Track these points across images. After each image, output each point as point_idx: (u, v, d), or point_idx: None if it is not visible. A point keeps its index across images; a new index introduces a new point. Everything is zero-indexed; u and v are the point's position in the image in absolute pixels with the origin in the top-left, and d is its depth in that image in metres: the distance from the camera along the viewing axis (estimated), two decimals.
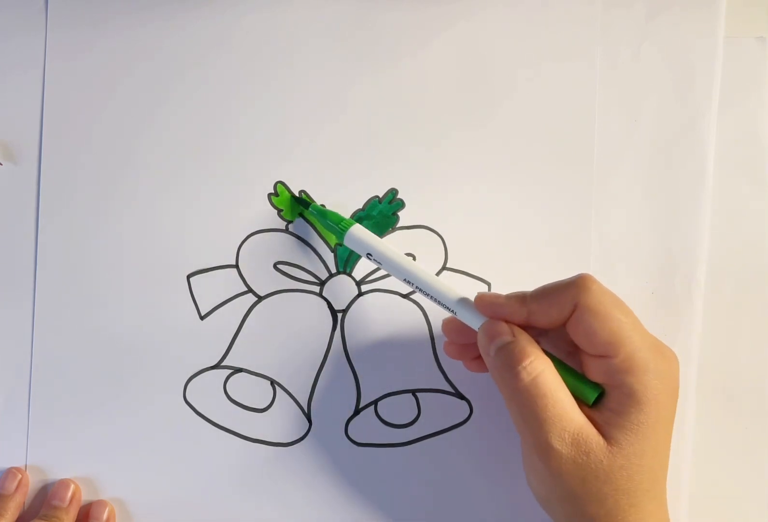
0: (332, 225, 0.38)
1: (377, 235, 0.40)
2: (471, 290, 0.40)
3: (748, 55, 0.40)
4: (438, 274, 0.40)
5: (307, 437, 0.40)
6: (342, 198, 0.40)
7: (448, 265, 0.40)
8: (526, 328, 0.34)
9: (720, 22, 0.40)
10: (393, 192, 0.40)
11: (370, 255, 0.37)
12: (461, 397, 0.40)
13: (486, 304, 0.34)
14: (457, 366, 0.39)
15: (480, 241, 0.40)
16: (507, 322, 0.34)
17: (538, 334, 0.34)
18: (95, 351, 0.40)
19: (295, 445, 0.40)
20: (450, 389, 0.40)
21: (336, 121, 0.41)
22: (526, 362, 0.32)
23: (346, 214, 0.40)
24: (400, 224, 0.40)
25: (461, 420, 0.40)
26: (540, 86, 0.40)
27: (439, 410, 0.40)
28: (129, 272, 0.40)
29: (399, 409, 0.40)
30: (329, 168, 0.40)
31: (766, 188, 0.40)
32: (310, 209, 0.39)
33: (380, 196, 0.40)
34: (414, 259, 0.40)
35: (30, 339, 0.40)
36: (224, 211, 0.40)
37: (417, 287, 0.36)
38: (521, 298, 0.33)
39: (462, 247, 0.40)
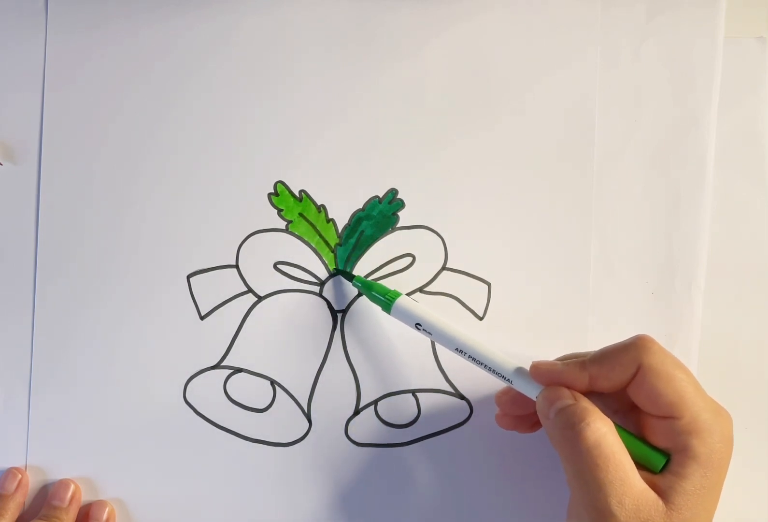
0: (378, 296, 0.38)
1: (377, 235, 0.40)
2: (471, 290, 0.40)
3: (748, 55, 0.40)
4: (438, 274, 0.40)
5: (307, 437, 0.40)
6: (342, 198, 0.40)
7: (447, 265, 0.40)
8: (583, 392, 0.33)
9: (720, 22, 0.40)
10: (393, 192, 0.40)
11: (419, 325, 0.37)
12: (461, 397, 0.40)
13: (543, 373, 0.34)
14: (457, 366, 0.39)
15: (480, 241, 0.40)
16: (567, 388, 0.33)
17: (592, 397, 0.34)
18: (95, 351, 0.40)
19: (295, 445, 0.40)
20: (450, 389, 0.40)
21: (336, 121, 0.41)
22: (589, 420, 0.31)
23: (347, 213, 0.40)
24: (400, 224, 0.40)
25: (461, 420, 0.40)
26: (540, 86, 0.40)
27: (439, 410, 0.40)
28: (129, 272, 0.40)
29: (399, 409, 0.40)
30: (329, 168, 0.40)
31: (766, 188, 0.40)
32: (354, 282, 0.39)
33: (380, 196, 0.40)
34: (414, 259, 0.40)
35: (30, 339, 0.40)
36: (224, 211, 0.40)
37: (470, 357, 0.35)
38: (581, 364, 0.33)
39: (462, 247, 0.40)
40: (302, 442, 0.40)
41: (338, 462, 0.40)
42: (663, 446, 0.32)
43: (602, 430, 0.31)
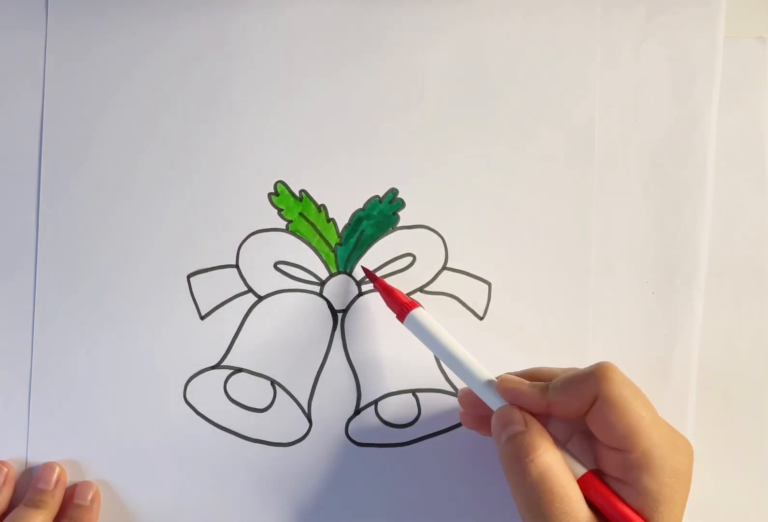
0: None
1: (377, 234, 0.40)
2: (471, 290, 0.40)
3: (748, 55, 0.40)
4: (438, 273, 0.40)
5: (307, 437, 0.40)
6: (342, 198, 0.40)
7: (448, 265, 0.40)
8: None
9: (720, 22, 0.40)
10: (393, 192, 0.40)
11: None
12: None
13: (508, 390, 0.34)
14: None
15: (480, 241, 0.40)
16: (525, 409, 0.33)
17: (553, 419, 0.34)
18: (95, 351, 0.40)
19: (295, 445, 0.40)
20: (450, 389, 0.40)
21: (336, 120, 0.41)
22: (534, 455, 0.31)
23: (347, 213, 0.40)
24: (400, 224, 0.40)
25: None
26: (540, 86, 0.40)
27: (439, 410, 0.40)
28: (129, 272, 0.40)
29: (399, 409, 0.40)
30: (329, 168, 0.40)
31: (766, 188, 0.40)
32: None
33: (380, 195, 0.40)
34: (414, 258, 0.40)
35: (30, 339, 0.40)
36: (224, 211, 0.40)
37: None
38: (543, 389, 0.33)
39: (462, 246, 0.40)
40: (302, 442, 0.40)
41: (338, 462, 0.40)
42: (615, 477, 0.32)
43: (547, 463, 0.31)
